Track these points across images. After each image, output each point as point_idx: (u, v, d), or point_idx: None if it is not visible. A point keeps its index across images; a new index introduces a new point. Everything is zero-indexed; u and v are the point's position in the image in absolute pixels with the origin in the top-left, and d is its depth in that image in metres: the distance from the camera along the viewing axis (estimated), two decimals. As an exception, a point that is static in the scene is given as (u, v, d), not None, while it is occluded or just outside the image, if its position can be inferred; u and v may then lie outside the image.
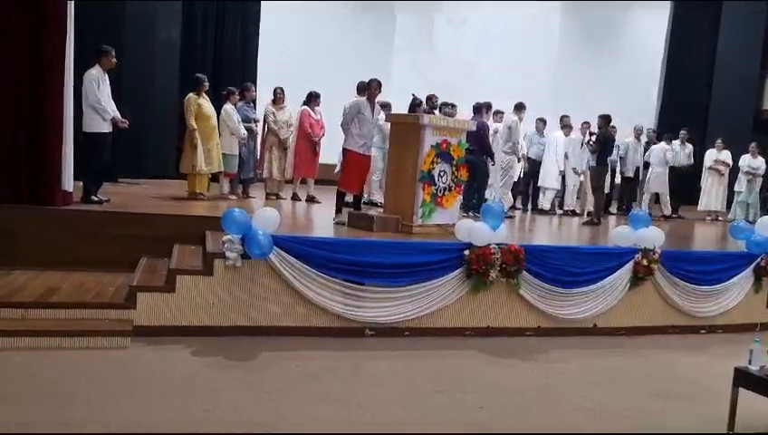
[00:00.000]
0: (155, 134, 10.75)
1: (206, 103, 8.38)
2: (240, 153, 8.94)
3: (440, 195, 6.94)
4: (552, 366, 5.59)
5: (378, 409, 4.32)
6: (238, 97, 9.04)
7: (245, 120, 8.95)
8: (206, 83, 8.46)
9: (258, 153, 9.39)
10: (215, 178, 9.04)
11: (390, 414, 4.25)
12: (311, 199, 9.49)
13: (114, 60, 7.27)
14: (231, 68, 11.79)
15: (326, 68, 12.01)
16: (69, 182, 6.68)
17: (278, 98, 9.41)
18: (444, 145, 6.86)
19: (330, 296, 5.64)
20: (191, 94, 8.30)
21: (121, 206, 7.13)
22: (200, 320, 5.42)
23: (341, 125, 7.77)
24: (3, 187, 6.21)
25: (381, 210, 7.75)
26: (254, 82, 11.04)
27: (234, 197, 8.99)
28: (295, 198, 9.52)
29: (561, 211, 11.20)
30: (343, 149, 7.59)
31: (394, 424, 4.11)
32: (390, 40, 14.26)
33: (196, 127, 8.16)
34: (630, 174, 11.63)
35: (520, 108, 9.88)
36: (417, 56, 14.29)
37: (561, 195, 11.32)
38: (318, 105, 9.51)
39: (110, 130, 7.21)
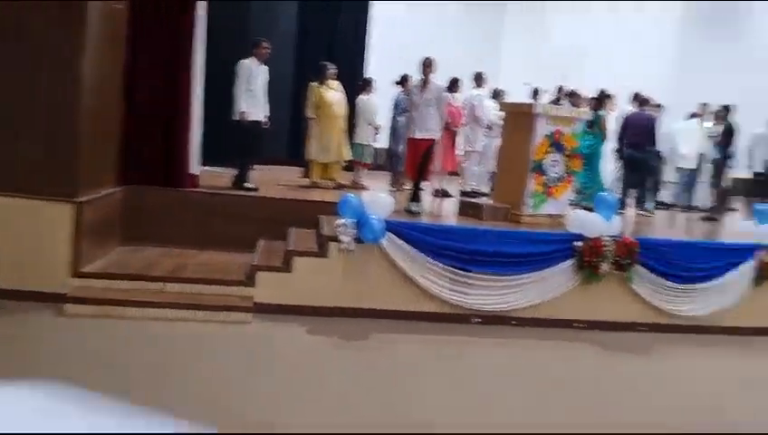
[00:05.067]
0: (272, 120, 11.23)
1: (328, 92, 8.35)
2: (393, 146, 8.96)
3: (551, 185, 6.85)
4: (668, 364, 5.43)
5: (482, 396, 4.38)
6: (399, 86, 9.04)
7: (405, 110, 8.75)
8: (331, 71, 8.43)
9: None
10: (350, 166, 9.07)
11: (495, 403, 4.30)
12: (444, 193, 8.84)
13: (266, 50, 7.49)
14: (342, 59, 12.05)
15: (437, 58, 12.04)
16: (195, 166, 7.14)
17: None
18: (557, 135, 6.76)
19: (438, 282, 5.73)
20: (313, 83, 8.38)
21: (243, 189, 7.52)
22: (314, 300, 5.66)
23: (397, 114, 7.52)
24: (139, 171, 6.68)
25: (488, 199, 7.73)
26: (363, 71, 11.28)
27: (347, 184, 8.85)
28: (437, 193, 8.80)
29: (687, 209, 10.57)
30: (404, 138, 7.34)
31: (497, 412, 4.16)
32: (500, 27, 14.09)
33: (313, 117, 8.32)
34: (759, 168, 10.87)
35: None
36: (529, 43, 14.06)
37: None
38: (457, 91, 9.09)
39: (258, 119, 7.45)
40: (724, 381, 5.09)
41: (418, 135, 7.00)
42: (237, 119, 7.32)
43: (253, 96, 7.37)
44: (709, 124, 9.90)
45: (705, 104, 10.38)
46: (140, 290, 5.39)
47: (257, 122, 7.49)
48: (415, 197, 7.06)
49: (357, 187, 8.72)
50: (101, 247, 5.95)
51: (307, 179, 8.69)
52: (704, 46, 14.07)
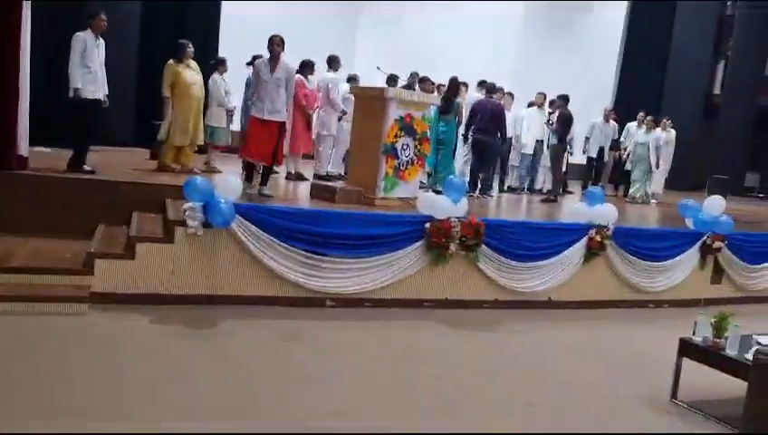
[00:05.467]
0: (113, 101, 10.54)
1: (186, 71, 7.82)
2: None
3: (403, 168, 7.00)
4: (510, 337, 5.75)
5: (338, 377, 4.39)
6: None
7: None
8: (190, 49, 7.87)
9: None
10: (203, 149, 8.68)
11: (351, 383, 4.32)
12: (299, 177, 8.93)
13: (103, 22, 6.95)
14: (193, 38, 11.54)
15: (289, 41, 11.87)
16: (24, 147, 6.53)
17: None
18: (407, 119, 6.91)
19: (291, 266, 5.66)
20: (170, 61, 7.81)
21: (79, 172, 6.99)
22: (160, 288, 5.39)
23: (249, 96, 7.28)
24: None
25: (342, 182, 7.76)
26: (217, 52, 10.87)
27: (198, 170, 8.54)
28: (290, 176, 8.83)
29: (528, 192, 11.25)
30: (249, 117, 7.15)
31: (354, 393, 4.19)
32: (356, 15, 14.17)
33: (168, 96, 7.75)
34: (594, 154, 11.82)
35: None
36: (383, 32, 14.26)
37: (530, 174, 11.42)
38: (311, 74, 8.91)
39: (97, 98, 6.93)
40: (560, 351, 5.47)
41: (267, 117, 6.79)
42: (72, 96, 6.76)
43: (90, 72, 6.84)
44: (546, 113, 10.62)
45: (542, 94, 11.09)
46: (-45, 283, 4.84)
47: (95, 101, 6.96)
48: (264, 178, 6.98)
49: (209, 170, 8.39)
50: None
51: (154, 162, 8.23)
52: (548, 45, 15.12)
